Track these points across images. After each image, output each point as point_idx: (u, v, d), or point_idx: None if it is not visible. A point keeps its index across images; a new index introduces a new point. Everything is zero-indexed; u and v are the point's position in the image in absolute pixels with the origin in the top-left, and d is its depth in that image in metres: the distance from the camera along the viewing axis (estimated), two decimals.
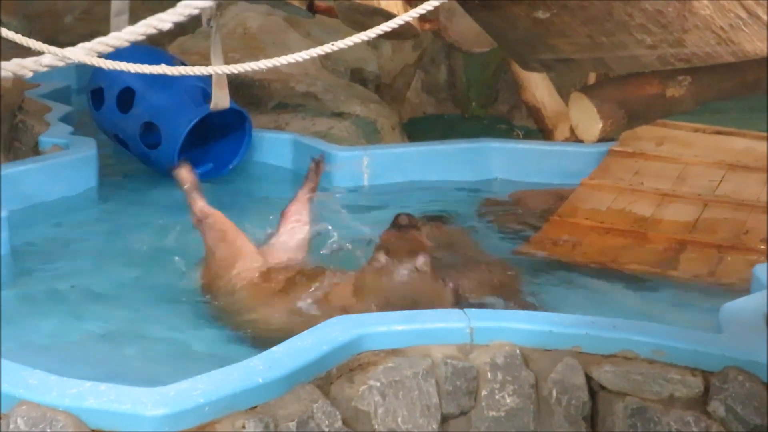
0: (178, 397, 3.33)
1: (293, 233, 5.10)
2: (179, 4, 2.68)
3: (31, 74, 2.67)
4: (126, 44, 2.70)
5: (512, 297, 4.82)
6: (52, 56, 2.70)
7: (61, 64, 2.76)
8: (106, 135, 7.06)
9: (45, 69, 2.69)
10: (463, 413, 3.78)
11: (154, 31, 2.70)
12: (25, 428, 3.22)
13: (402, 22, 3.45)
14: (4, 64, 2.59)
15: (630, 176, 6.38)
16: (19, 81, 7.13)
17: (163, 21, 2.68)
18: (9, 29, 3.60)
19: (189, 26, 9.14)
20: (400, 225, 4.43)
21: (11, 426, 3.24)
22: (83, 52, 2.71)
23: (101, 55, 2.80)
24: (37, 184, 6.10)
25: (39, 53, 2.78)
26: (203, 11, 7.67)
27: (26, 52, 2.93)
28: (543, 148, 7.11)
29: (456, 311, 4.03)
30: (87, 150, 6.54)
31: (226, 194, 6.66)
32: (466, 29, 6.19)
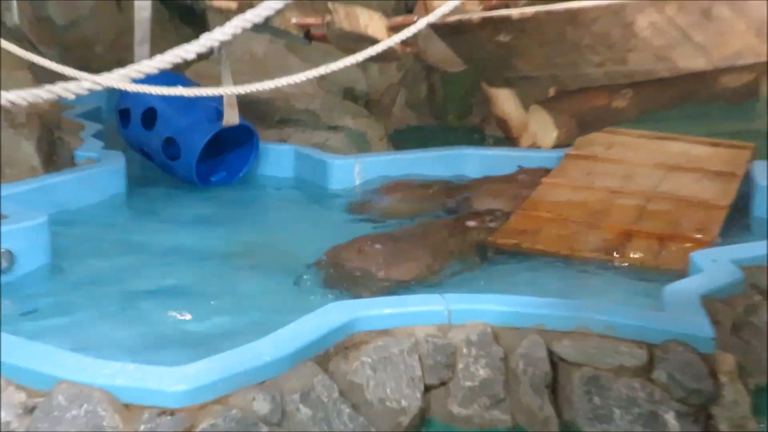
0: (196, 375, 3.34)
1: None
2: (201, 36, 2.69)
3: (73, 96, 2.69)
4: (156, 71, 2.71)
5: None
6: (91, 82, 2.72)
7: (99, 87, 2.78)
8: (133, 149, 7.06)
9: (85, 92, 2.71)
10: (443, 383, 3.79)
11: (180, 60, 2.71)
12: (65, 404, 3.23)
13: (386, 47, 3.45)
14: (50, 87, 2.60)
15: (583, 176, 6.37)
16: (56, 103, 7.11)
17: (187, 51, 2.69)
18: (47, 58, 3.62)
19: (203, 53, 9.10)
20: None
21: (53, 402, 3.24)
22: (119, 78, 2.72)
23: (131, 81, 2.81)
24: (73, 192, 6.10)
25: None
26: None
27: (59, 77, 2.94)
28: (510, 154, 7.11)
29: (435, 296, 4.04)
30: (116, 162, 6.56)
31: (237, 197, 6.68)
32: (441, 52, 6.15)
